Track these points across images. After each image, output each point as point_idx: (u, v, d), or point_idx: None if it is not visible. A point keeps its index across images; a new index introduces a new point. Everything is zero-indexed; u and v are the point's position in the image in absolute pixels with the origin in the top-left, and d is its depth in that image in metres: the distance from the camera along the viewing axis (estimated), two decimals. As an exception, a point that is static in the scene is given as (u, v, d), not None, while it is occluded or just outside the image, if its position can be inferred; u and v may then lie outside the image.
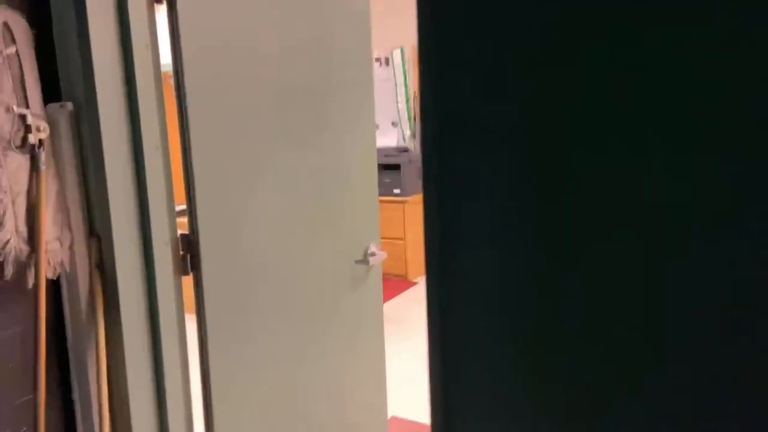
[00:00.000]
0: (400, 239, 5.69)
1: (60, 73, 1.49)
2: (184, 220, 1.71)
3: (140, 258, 1.62)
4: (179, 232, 1.70)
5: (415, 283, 5.69)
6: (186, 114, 1.63)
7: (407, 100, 6.02)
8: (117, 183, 1.54)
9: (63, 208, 1.50)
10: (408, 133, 6.06)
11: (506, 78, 0.74)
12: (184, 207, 1.71)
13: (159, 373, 1.67)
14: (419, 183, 5.85)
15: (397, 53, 5.99)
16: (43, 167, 1.42)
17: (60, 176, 1.48)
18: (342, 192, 2.17)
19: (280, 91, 1.89)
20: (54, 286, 1.57)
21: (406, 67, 6.00)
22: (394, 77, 6.04)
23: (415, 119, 6.03)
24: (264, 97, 1.84)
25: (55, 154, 1.46)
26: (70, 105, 1.47)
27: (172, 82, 1.64)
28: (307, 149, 2.01)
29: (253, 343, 1.87)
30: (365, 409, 2.38)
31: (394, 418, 3.17)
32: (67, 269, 1.55)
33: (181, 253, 1.70)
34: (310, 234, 2.05)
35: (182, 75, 1.61)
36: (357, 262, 2.25)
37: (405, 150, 5.87)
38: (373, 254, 2.30)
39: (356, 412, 2.33)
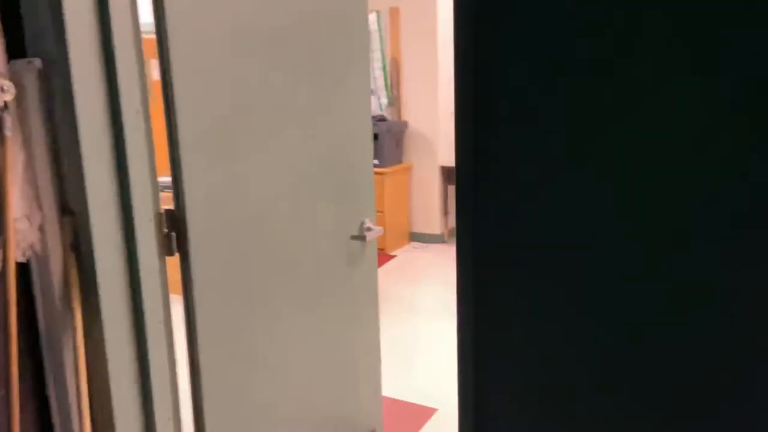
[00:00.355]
0: (379, 212, 5.55)
1: (25, 24, 1.28)
2: (168, 195, 1.54)
3: (120, 237, 1.44)
4: (163, 207, 1.53)
5: (393, 257, 5.57)
6: (170, 75, 1.45)
7: (384, 67, 5.82)
8: (93, 152, 1.36)
9: (32, 181, 1.31)
10: (385, 101, 5.88)
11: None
12: (168, 179, 1.53)
13: (143, 363, 1.51)
14: (398, 153, 5.73)
15: (372, 18, 5.77)
16: (8, 134, 1.23)
17: (27, 144, 1.29)
18: (337, 164, 2.01)
19: (273, 59, 1.71)
20: (23, 270, 1.39)
21: (383, 32, 5.79)
22: (371, 43, 5.83)
23: (391, 87, 5.84)
24: (257, 64, 1.66)
25: (22, 119, 1.27)
26: (38, 62, 1.27)
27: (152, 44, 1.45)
28: (300, 118, 1.84)
29: (245, 326, 1.72)
30: (360, 389, 2.26)
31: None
32: (38, 251, 1.37)
33: (166, 231, 1.53)
34: (304, 209, 1.89)
35: (165, 33, 1.42)
36: (353, 238, 2.10)
37: (382, 119, 5.69)
38: (369, 229, 2.16)
39: (352, 392, 2.20)
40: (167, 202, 1.54)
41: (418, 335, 3.86)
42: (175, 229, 1.53)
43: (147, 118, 1.46)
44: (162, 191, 1.55)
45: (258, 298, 1.75)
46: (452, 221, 6.20)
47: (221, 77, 1.57)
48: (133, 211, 1.44)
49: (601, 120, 0.82)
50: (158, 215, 1.51)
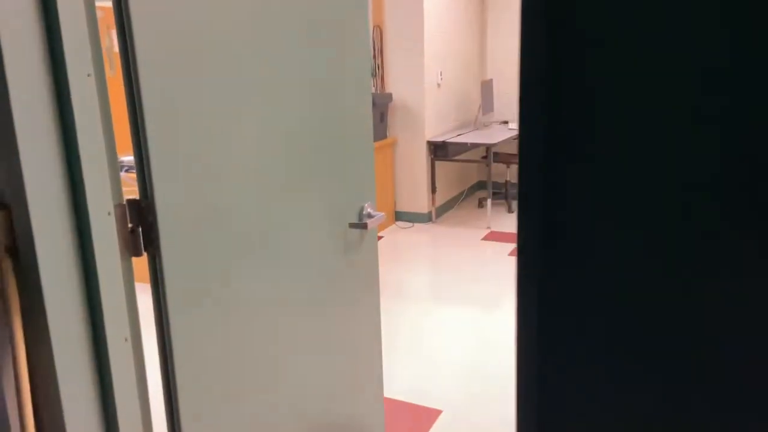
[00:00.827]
0: (362, 189, 5.25)
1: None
2: (132, 177, 1.23)
3: (70, 236, 1.13)
4: (126, 197, 1.22)
5: (379, 238, 5.30)
6: (130, 29, 1.13)
7: (366, 36, 5.47)
8: (31, 127, 1.04)
9: (-54, 166, 1.00)
10: (367, 72, 5.54)
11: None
12: (130, 158, 1.22)
13: (106, 391, 1.21)
14: (382, 127, 5.41)
15: (354, -17, 5.40)
16: None
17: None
18: (333, 140, 1.71)
19: (260, 20, 1.40)
20: (-58, 281, 1.07)
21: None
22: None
23: (374, 56, 5.51)
24: (241, 25, 1.35)
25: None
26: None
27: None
28: (291, 88, 1.53)
29: (231, 335, 1.43)
30: (361, 393, 1.99)
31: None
32: (-39, 257, 1.05)
33: (130, 226, 1.23)
34: (296, 194, 1.59)
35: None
36: (352, 225, 1.81)
37: (365, 91, 5.36)
38: (369, 215, 1.87)
39: (351, 397, 1.93)
40: (131, 190, 1.23)
41: (412, 324, 3.61)
42: (141, 224, 1.23)
43: (103, 84, 1.14)
44: (127, 172, 1.24)
45: (244, 300, 1.46)
46: (439, 199, 5.94)
47: (196, 37, 1.25)
48: (87, 203, 1.13)
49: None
50: (120, 207, 1.20)
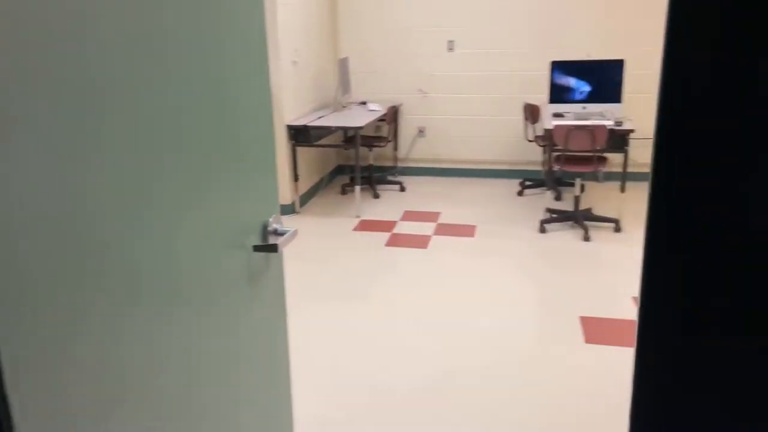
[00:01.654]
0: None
1: None
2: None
3: None
4: None
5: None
6: None
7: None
8: None
9: None
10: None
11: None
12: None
13: None
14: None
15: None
16: None
17: None
18: (225, 140, 1.28)
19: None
20: None
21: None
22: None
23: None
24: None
25: None
26: None
27: None
28: (169, 72, 1.08)
29: (110, 416, 0.97)
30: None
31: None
32: None
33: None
34: (183, 214, 1.14)
35: None
36: (257, 248, 1.39)
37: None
38: (276, 232, 1.46)
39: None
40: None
41: (295, 333, 3.21)
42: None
43: None
44: None
45: (124, 369, 1.00)
46: (303, 188, 5.52)
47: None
48: None
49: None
50: None
